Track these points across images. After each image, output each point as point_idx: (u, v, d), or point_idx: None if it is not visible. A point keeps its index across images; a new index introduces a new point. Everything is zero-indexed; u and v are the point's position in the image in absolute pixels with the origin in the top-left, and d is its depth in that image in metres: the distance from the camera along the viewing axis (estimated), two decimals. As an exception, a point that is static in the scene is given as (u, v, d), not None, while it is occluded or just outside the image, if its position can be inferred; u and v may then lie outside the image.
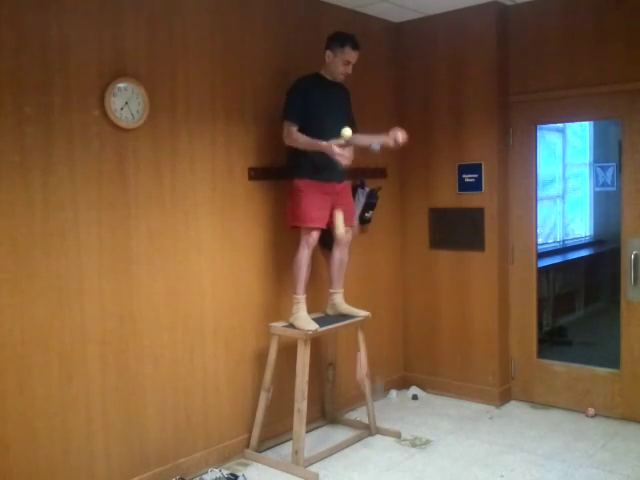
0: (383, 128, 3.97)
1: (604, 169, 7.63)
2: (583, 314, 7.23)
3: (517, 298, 4.78)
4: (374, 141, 3.89)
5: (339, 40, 3.81)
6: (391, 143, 3.89)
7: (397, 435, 4.22)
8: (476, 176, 4.71)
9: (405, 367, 5.23)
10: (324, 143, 3.63)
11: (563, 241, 7.53)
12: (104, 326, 3.28)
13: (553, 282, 6.59)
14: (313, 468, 3.76)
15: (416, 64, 4.97)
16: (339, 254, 4.06)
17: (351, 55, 3.82)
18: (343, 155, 3.63)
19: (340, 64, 3.83)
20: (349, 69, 3.88)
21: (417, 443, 4.12)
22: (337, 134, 3.71)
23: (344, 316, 4.08)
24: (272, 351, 3.91)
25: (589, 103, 4.41)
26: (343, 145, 3.68)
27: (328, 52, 3.84)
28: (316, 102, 3.79)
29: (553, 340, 6.07)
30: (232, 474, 3.62)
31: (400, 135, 3.86)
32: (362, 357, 4.15)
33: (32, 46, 2.97)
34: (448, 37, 4.78)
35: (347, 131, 3.72)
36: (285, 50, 4.14)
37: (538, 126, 4.73)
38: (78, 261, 3.17)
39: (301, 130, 3.74)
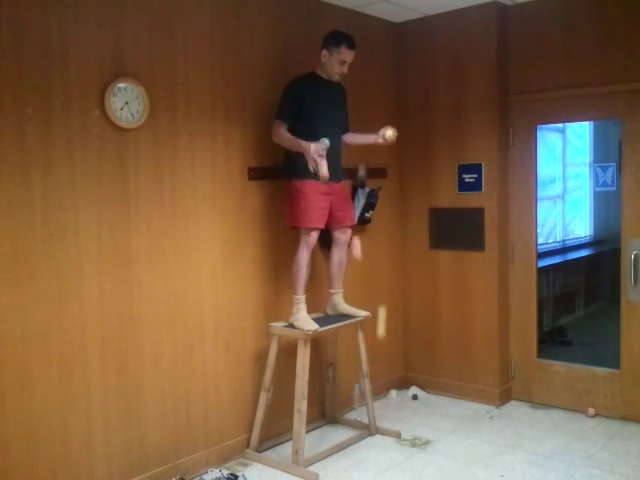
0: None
1: (604, 169, 7.62)
2: (583, 314, 7.23)
3: (517, 298, 4.79)
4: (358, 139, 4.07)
5: (335, 39, 3.81)
6: (380, 140, 3.92)
7: (397, 435, 4.21)
8: (476, 176, 4.71)
9: (405, 367, 5.23)
10: (304, 144, 3.60)
11: (563, 241, 7.53)
12: (104, 326, 3.28)
13: (553, 282, 6.59)
14: (313, 468, 3.76)
15: (416, 64, 4.97)
16: (338, 254, 4.07)
17: (347, 54, 3.81)
18: (318, 162, 3.53)
19: (336, 63, 3.82)
20: (345, 68, 3.87)
21: (417, 443, 4.12)
22: (333, 133, 3.72)
23: (344, 316, 4.08)
24: (272, 351, 3.91)
25: (589, 103, 4.41)
26: (323, 149, 3.58)
27: (324, 51, 3.83)
28: (311, 102, 3.79)
29: (553, 340, 6.07)
30: (232, 474, 3.62)
31: (389, 132, 3.87)
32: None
33: (32, 46, 2.97)
34: (448, 37, 4.78)
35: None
36: (285, 50, 4.14)
37: (538, 126, 4.73)
38: (78, 261, 3.17)
39: (294, 130, 3.74)
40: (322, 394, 4.45)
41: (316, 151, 3.55)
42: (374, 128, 3.97)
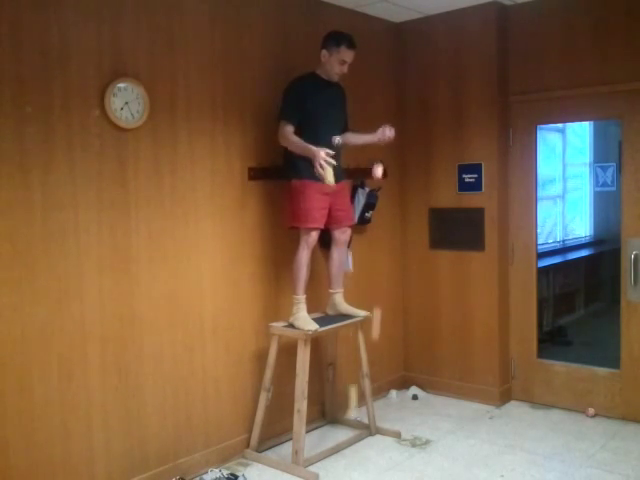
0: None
1: (604, 169, 7.63)
2: (583, 314, 7.23)
3: (517, 298, 4.78)
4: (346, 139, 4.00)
5: (335, 39, 3.80)
6: (377, 139, 3.92)
7: (397, 435, 4.21)
8: (476, 176, 4.71)
9: (405, 367, 5.23)
10: (314, 148, 3.59)
11: (563, 241, 7.53)
12: (104, 326, 3.28)
13: (553, 282, 6.59)
14: (313, 468, 3.76)
15: (416, 64, 4.97)
16: (338, 254, 4.06)
17: (347, 54, 3.81)
18: (324, 167, 3.53)
19: (336, 63, 3.82)
20: (345, 68, 3.86)
21: (417, 443, 4.12)
22: (333, 134, 3.71)
23: (344, 316, 4.08)
24: (272, 351, 3.91)
25: (589, 103, 4.41)
26: (332, 154, 3.58)
27: (324, 51, 3.83)
28: (312, 102, 3.78)
29: (553, 340, 6.07)
30: (232, 474, 3.62)
31: (387, 131, 3.88)
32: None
33: (32, 46, 2.97)
34: (448, 37, 4.78)
35: (336, 139, 3.75)
36: (285, 50, 4.14)
37: (538, 126, 4.73)
38: (78, 261, 3.17)
39: (297, 130, 3.74)
40: (322, 394, 4.45)
41: (325, 157, 3.53)
42: (374, 128, 3.97)
